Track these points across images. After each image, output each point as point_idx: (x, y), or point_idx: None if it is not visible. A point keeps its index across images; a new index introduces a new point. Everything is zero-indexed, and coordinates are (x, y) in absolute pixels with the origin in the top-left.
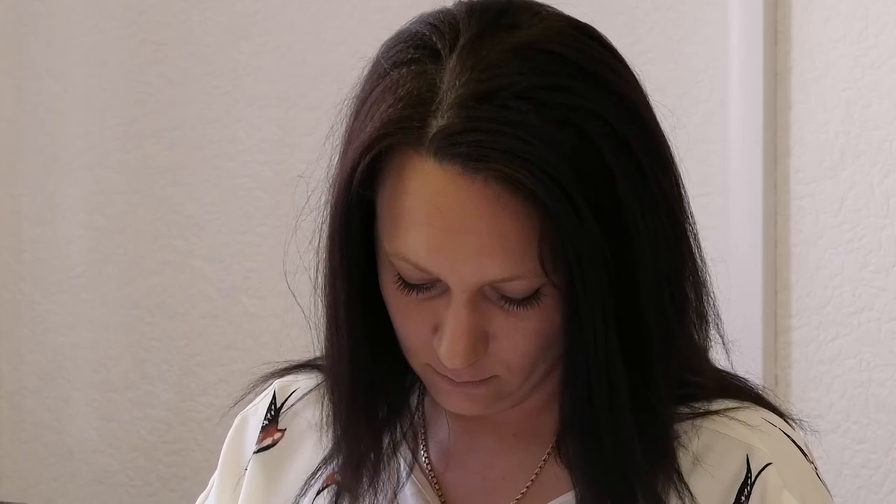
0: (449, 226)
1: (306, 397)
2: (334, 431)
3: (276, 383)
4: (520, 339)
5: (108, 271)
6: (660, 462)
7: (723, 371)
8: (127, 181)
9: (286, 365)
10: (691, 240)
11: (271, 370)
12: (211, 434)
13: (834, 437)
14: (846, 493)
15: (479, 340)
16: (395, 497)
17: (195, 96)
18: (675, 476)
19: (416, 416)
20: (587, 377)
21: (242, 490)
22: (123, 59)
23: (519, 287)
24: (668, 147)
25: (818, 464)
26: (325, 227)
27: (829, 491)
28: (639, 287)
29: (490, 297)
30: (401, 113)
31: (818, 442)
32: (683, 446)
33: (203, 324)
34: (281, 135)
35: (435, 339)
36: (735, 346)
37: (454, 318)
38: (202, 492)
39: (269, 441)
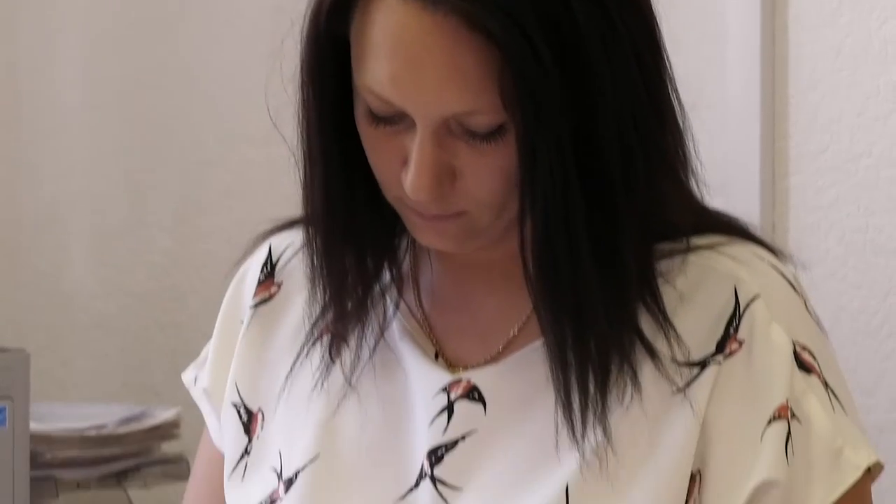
0: (409, 58)
1: (301, 251)
2: (318, 275)
3: (272, 239)
4: (486, 175)
5: (103, 119)
6: (623, 307)
7: (714, 210)
8: (123, 30)
9: (284, 221)
10: (665, 84)
11: (273, 226)
12: (209, 281)
13: (832, 282)
14: (844, 338)
15: (445, 174)
16: (383, 336)
17: None
18: (659, 315)
19: (403, 260)
20: (544, 216)
21: (238, 344)
22: None
23: (481, 121)
24: None
25: (813, 303)
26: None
27: (820, 325)
28: (599, 128)
29: (455, 131)
30: None
31: (816, 286)
32: (669, 283)
33: (200, 171)
34: None
35: (403, 172)
36: (732, 192)
37: (419, 151)
38: (200, 339)
39: (265, 294)
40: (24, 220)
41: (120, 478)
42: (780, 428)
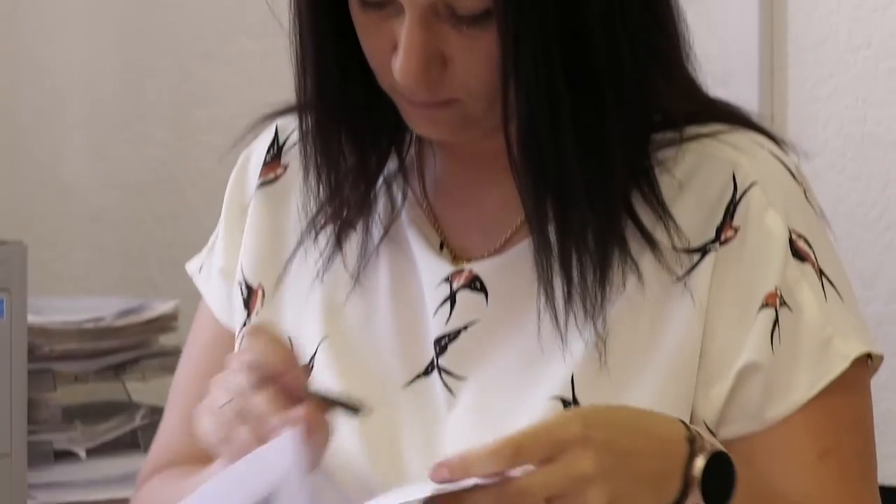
0: None
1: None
2: (312, 162)
3: (279, 121)
4: (474, 61)
5: (101, 10)
6: (607, 195)
7: (716, 100)
8: None
9: (286, 106)
10: None
11: (272, 111)
12: (206, 173)
13: (830, 174)
14: (842, 230)
15: (434, 60)
16: (387, 233)
17: None
18: (657, 205)
19: (408, 153)
20: (528, 104)
21: (247, 225)
22: None
23: (468, 4)
24: None
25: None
26: None
27: (821, 214)
28: (586, 20)
29: (443, 15)
30: None
31: (814, 178)
32: (669, 172)
33: (198, 63)
34: None
35: (393, 57)
36: (731, 84)
37: (407, 35)
38: (198, 231)
39: (271, 175)
40: (21, 111)
41: (118, 370)
42: (768, 315)
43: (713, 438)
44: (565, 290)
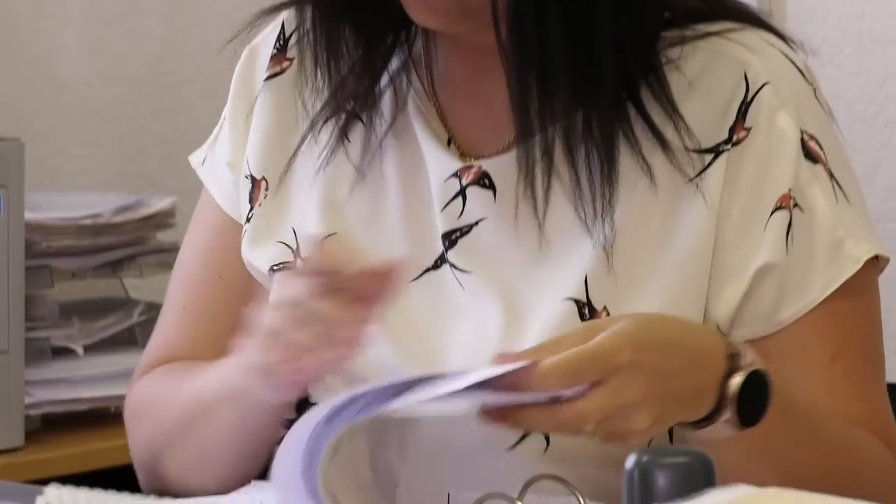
0: None
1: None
2: (319, 52)
3: (284, 14)
4: None
5: None
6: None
7: None
8: None
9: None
10: None
11: (270, 5)
12: (204, 69)
13: (829, 69)
14: (840, 126)
15: None
16: (392, 126)
17: None
18: (666, 103)
19: (414, 46)
20: None
21: (254, 118)
22: None
23: None
24: None
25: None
26: None
27: (830, 114)
28: None
29: None
30: None
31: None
32: (679, 70)
33: None
34: None
35: None
36: None
37: None
38: (195, 127)
39: (277, 69)
40: (17, 6)
41: (115, 267)
42: (782, 217)
43: (755, 355)
44: (573, 185)
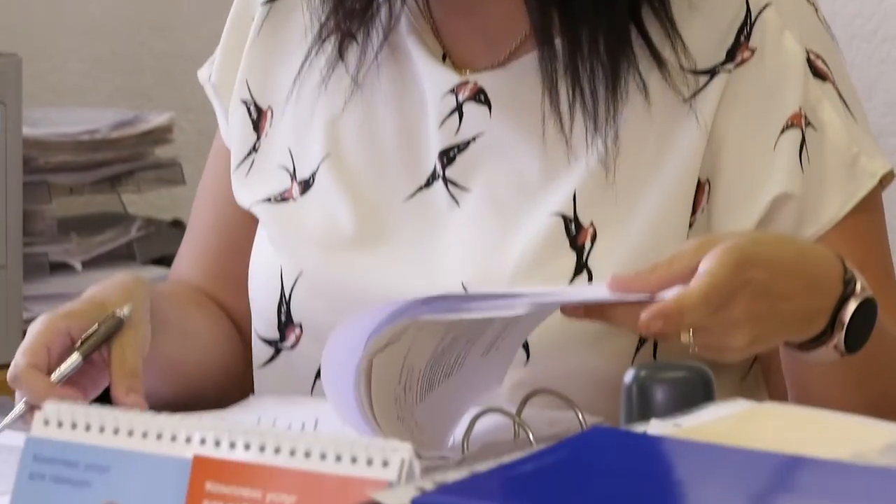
0: None
1: None
2: None
3: None
4: None
5: None
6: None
7: None
8: None
9: None
10: None
11: None
12: None
13: None
14: (840, 42)
15: None
16: (386, 39)
17: None
18: (666, 21)
19: None
20: None
21: (249, 41)
22: None
23: None
24: None
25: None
26: None
27: (832, 34)
28: None
29: None
30: None
31: None
32: None
33: None
34: None
35: None
36: None
37: None
38: (193, 42)
39: None
40: None
41: (113, 182)
42: (794, 136)
43: (865, 281)
44: (571, 100)
